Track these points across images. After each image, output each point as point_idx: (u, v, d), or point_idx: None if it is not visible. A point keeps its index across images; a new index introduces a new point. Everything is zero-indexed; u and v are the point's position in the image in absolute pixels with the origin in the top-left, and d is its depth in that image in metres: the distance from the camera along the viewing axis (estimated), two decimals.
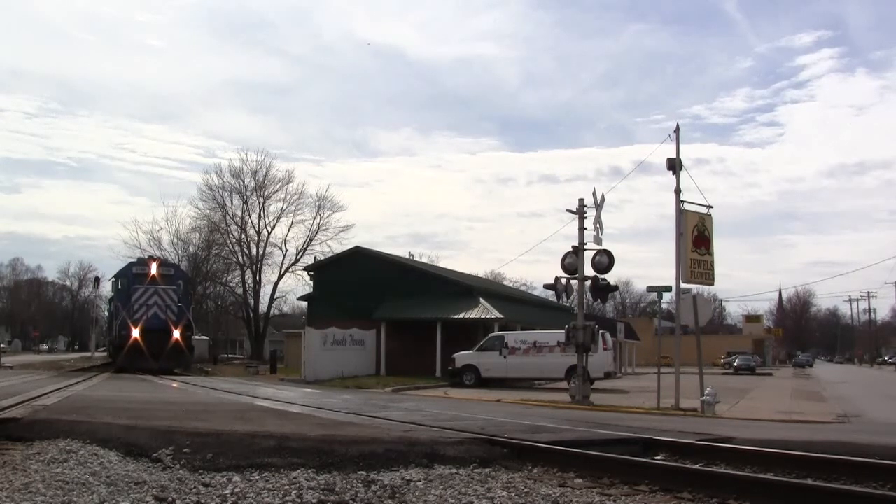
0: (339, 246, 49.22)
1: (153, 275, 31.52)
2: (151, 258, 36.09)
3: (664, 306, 25.88)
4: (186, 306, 32.81)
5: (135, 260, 37.11)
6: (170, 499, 5.12)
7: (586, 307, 23.98)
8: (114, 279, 35.23)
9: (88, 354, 55.30)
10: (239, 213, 53.50)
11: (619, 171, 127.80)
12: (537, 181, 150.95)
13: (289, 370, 37.70)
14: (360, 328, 34.48)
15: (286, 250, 53.40)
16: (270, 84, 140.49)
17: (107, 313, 47.97)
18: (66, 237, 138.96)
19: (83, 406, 10.19)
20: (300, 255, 52.56)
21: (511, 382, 28.59)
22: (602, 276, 19.90)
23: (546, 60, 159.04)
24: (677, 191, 19.30)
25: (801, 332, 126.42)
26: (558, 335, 24.76)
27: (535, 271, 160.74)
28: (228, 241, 53.67)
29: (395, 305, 36.50)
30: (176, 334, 30.26)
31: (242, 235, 53.52)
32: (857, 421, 17.32)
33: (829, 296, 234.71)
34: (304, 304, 46.24)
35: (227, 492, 5.39)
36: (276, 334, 63.91)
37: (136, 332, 29.65)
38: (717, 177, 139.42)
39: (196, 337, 40.97)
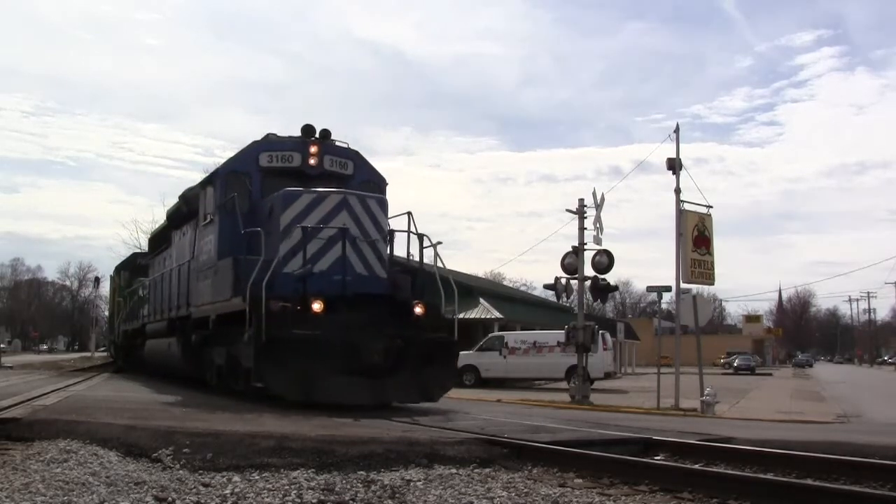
0: None
1: (314, 165, 12.89)
2: (309, 135, 13.00)
3: (664, 306, 25.86)
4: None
5: (258, 140, 13.29)
6: (170, 499, 5.13)
7: (586, 307, 23.96)
8: (200, 189, 14.27)
9: (88, 354, 55.22)
10: None
11: (618, 171, 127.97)
12: (537, 181, 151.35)
13: None
14: None
15: None
16: (268, 83, 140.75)
17: (115, 294, 26.94)
18: (64, 237, 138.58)
19: (83, 406, 10.16)
20: None
21: (511, 382, 28.55)
22: (602, 276, 19.84)
23: (545, 59, 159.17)
24: (677, 191, 19.28)
25: (801, 332, 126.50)
26: (558, 335, 24.71)
27: (535, 271, 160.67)
28: None
29: None
30: (417, 311, 11.86)
31: None
32: (856, 421, 17.30)
33: (829, 296, 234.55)
34: None
35: (227, 492, 5.40)
36: None
37: (316, 305, 10.87)
38: (716, 177, 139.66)
39: None
